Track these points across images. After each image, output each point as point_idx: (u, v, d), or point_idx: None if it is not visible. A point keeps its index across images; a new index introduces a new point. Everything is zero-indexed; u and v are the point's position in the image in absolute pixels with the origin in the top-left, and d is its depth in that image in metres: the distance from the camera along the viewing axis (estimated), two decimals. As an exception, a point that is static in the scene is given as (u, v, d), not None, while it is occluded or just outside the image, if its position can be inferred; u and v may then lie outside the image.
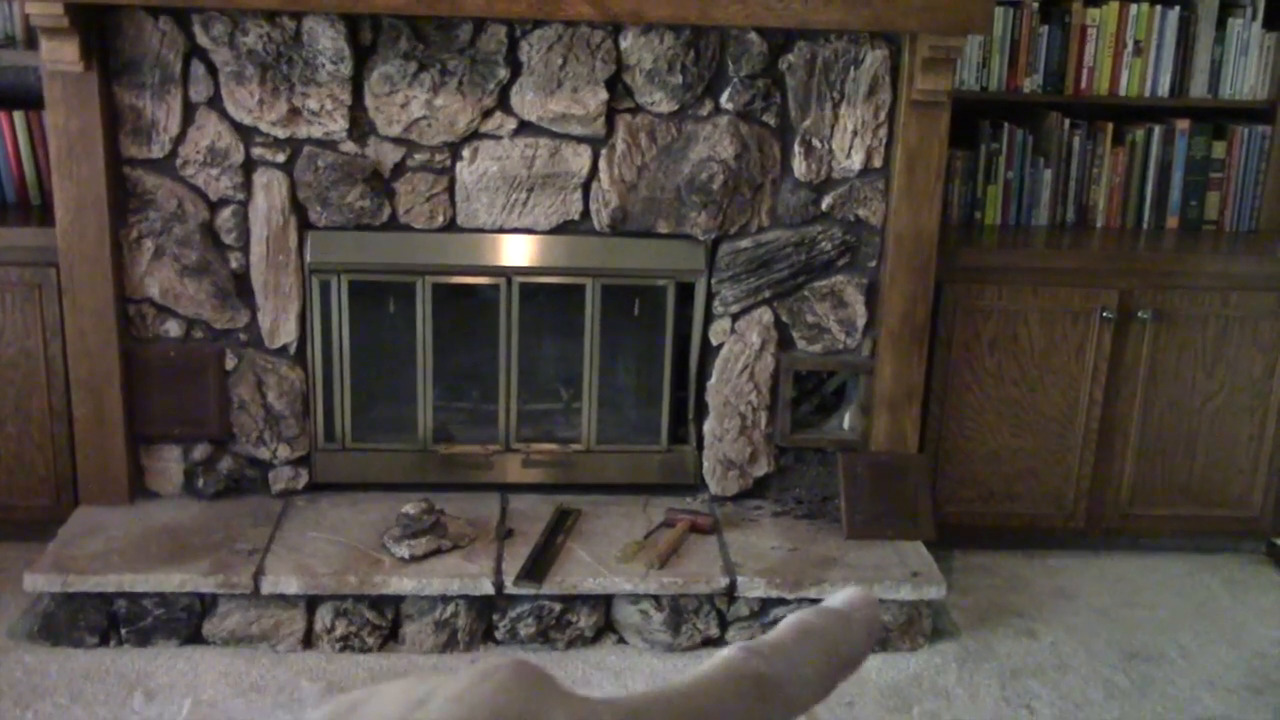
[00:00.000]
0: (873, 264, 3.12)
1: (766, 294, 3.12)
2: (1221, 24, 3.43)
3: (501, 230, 3.05)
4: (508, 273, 3.09)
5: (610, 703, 0.32)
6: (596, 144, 3.00)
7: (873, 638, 0.36)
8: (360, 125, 2.95)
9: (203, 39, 2.86)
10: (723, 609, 2.91)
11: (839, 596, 0.37)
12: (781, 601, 2.90)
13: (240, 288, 3.04)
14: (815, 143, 3.02)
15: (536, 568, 2.86)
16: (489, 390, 3.24)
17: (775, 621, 2.87)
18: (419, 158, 2.98)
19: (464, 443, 3.25)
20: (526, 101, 2.95)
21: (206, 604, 2.82)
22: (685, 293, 3.16)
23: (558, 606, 2.87)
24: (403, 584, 2.81)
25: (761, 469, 3.25)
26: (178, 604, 2.81)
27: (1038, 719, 2.72)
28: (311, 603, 2.83)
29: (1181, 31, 3.41)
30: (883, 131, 3.02)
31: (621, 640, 2.92)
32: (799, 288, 3.13)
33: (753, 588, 2.87)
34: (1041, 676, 2.88)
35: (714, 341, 3.16)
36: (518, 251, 3.07)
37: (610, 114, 2.97)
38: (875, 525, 3.09)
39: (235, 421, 3.12)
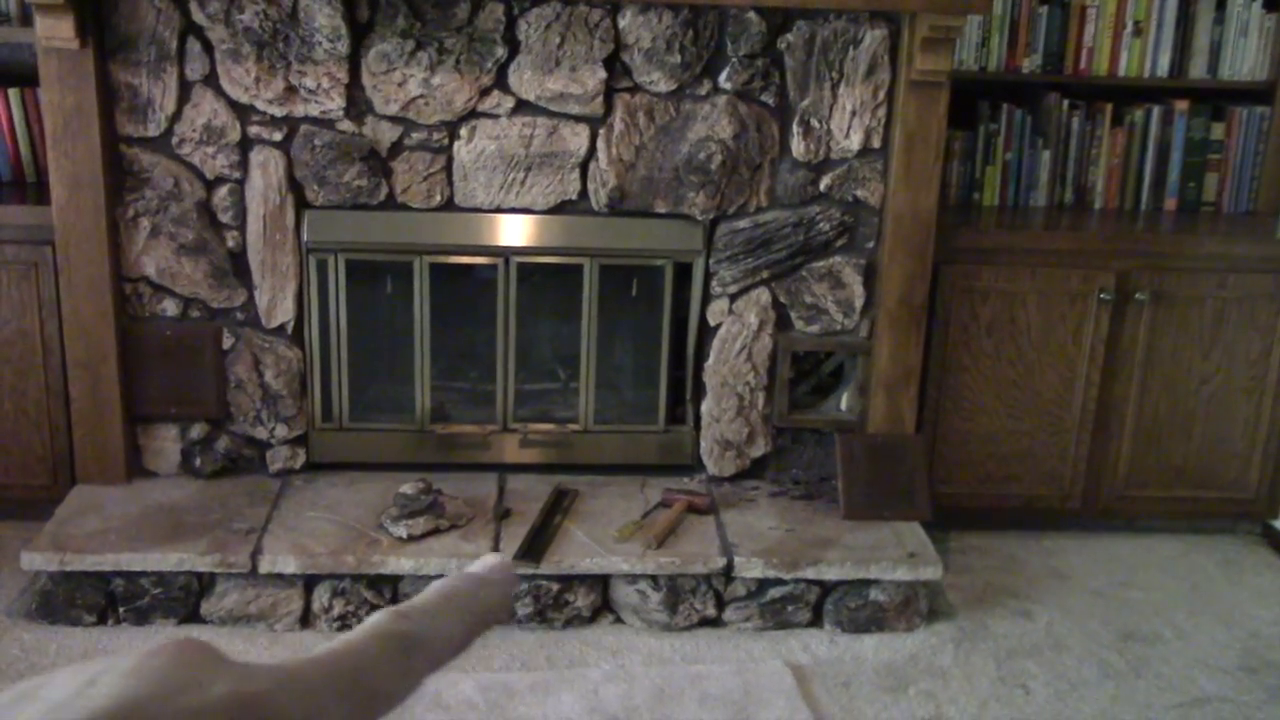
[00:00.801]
0: (871, 245, 3.12)
1: (764, 274, 3.12)
2: (1221, 5, 3.42)
3: (499, 210, 3.04)
4: (505, 252, 3.09)
5: (269, 668, 0.36)
6: (594, 123, 2.99)
7: (508, 600, 0.43)
8: (357, 104, 2.93)
9: (199, 16, 2.84)
10: (720, 589, 2.92)
11: (479, 563, 0.43)
12: (779, 582, 2.91)
13: (237, 267, 3.03)
14: (814, 123, 3.02)
15: (534, 548, 2.86)
16: (486, 370, 3.24)
17: (772, 601, 2.88)
18: (416, 136, 2.97)
19: (461, 423, 3.25)
20: (524, 80, 2.94)
21: (204, 583, 2.83)
22: (683, 273, 3.16)
23: (555, 586, 2.87)
24: (400, 564, 2.81)
25: (759, 449, 3.25)
26: (175, 583, 2.81)
27: (1033, 699, 2.73)
28: (309, 582, 2.83)
29: (1181, 12, 3.40)
30: (881, 112, 3.01)
31: (619, 620, 2.93)
32: (797, 268, 3.12)
33: (750, 568, 2.88)
34: (1037, 657, 2.89)
35: (712, 322, 3.16)
36: (515, 231, 3.07)
37: (608, 93, 2.96)
38: (872, 506, 3.10)
39: (232, 401, 3.11)
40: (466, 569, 0.37)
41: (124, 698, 0.31)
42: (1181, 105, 3.45)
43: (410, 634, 0.35)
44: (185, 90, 2.90)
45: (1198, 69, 3.46)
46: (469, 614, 0.37)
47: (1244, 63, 3.45)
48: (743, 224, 3.08)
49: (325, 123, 2.94)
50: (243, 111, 2.92)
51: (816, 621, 2.96)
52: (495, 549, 2.85)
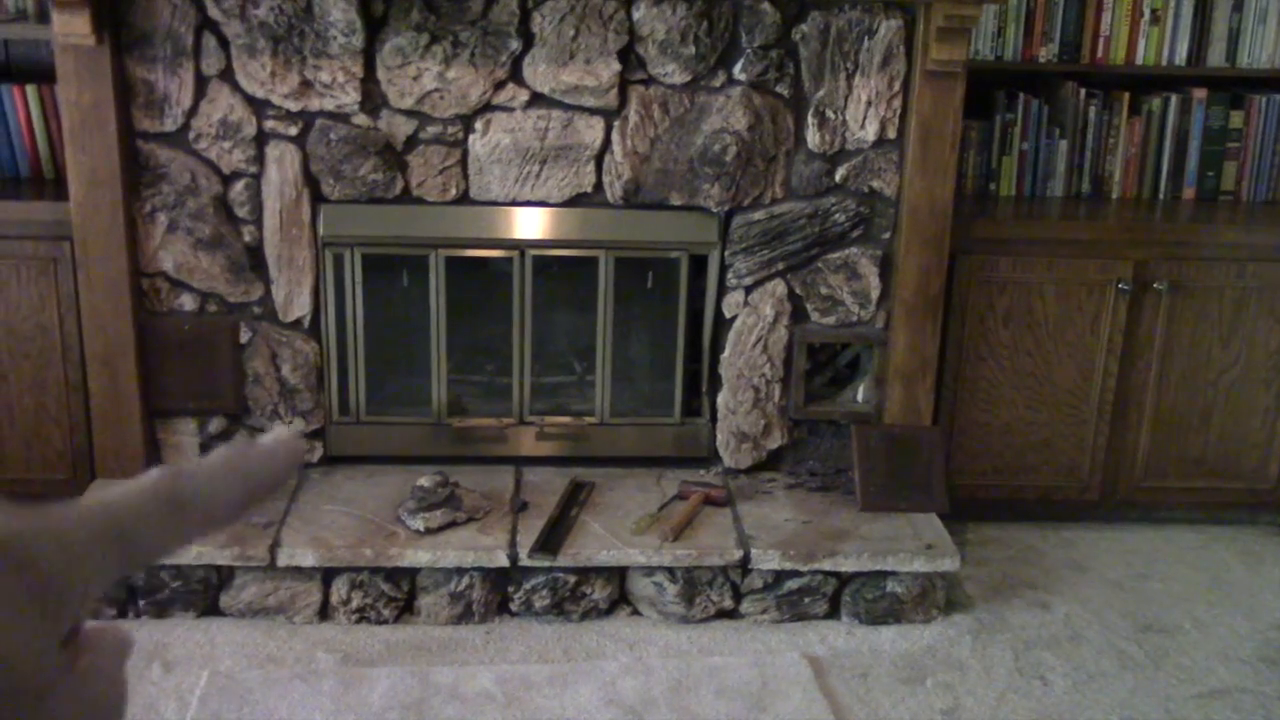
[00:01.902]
0: (887, 235, 3.11)
1: (780, 266, 3.11)
2: (1240, -8, 3.39)
3: (514, 203, 3.04)
4: (521, 245, 3.09)
5: (31, 512, 0.37)
6: (609, 116, 2.99)
7: (289, 472, 0.43)
8: (372, 98, 2.94)
9: (214, 11, 2.85)
10: (736, 581, 2.92)
11: (269, 435, 0.44)
12: (795, 574, 2.90)
13: (254, 261, 3.04)
14: (829, 114, 3.01)
15: (551, 540, 2.87)
16: (503, 363, 3.25)
17: (789, 593, 2.88)
18: (431, 130, 2.97)
19: (478, 416, 3.26)
20: (539, 73, 2.94)
21: (223, 576, 2.84)
22: (699, 265, 3.15)
23: (572, 578, 2.88)
24: (418, 556, 2.82)
25: (775, 441, 3.25)
26: (194, 576, 2.83)
27: (1051, 690, 2.73)
28: (327, 575, 2.85)
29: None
30: (897, 102, 3.00)
31: (636, 612, 2.93)
32: (812, 260, 3.12)
33: (766, 560, 2.88)
34: (1055, 648, 2.89)
35: (727, 314, 3.16)
36: (531, 224, 3.07)
37: (623, 85, 2.96)
38: (889, 497, 3.09)
39: (250, 395, 3.13)
40: (257, 440, 0.38)
41: None
42: (1200, 94, 3.43)
43: (184, 494, 0.36)
44: (201, 85, 2.91)
45: (1216, 57, 3.43)
46: (248, 483, 0.38)
47: (1262, 50, 3.43)
48: (758, 216, 3.08)
49: (341, 117, 2.94)
50: (258, 106, 2.93)
51: (833, 613, 2.96)
52: (513, 542, 2.86)
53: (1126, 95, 3.43)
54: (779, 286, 3.13)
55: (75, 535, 0.37)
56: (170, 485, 0.41)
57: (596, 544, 2.88)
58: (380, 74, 2.92)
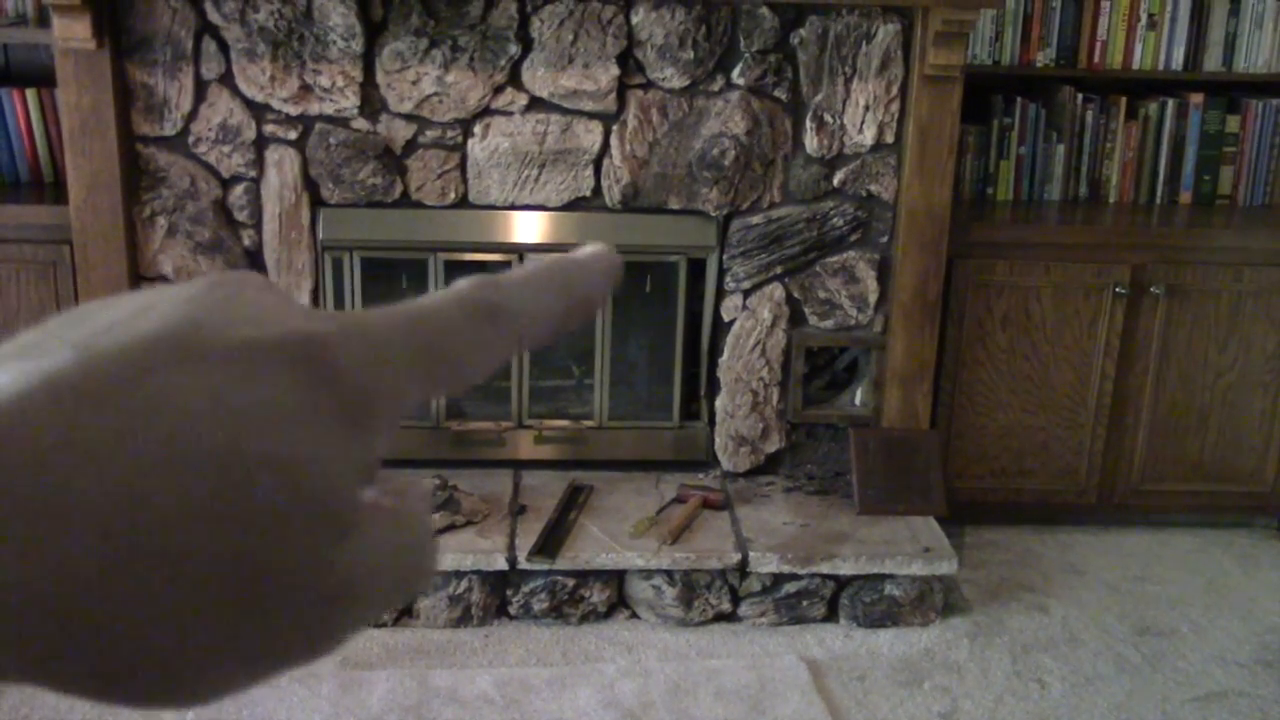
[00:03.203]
0: (884, 240, 3.12)
1: (778, 270, 3.12)
2: (1236, -3, 3.41)
3: (513, 207, 3.05)
4: (520, 249, 3.10)
5: (338, 314, 0.32)
6: (608, 120, 2.99)
7: (609, 283, 0.38)
8: (372, 102, 2.95)
9: (214, 16, 2.86)
10: (735, 584, 2.92)
11: (582, 249, 0.39)
12: (793, 577, 2.91)
13: (253, 265, 3.04)
14: (827, 118, 3.02)
15: (549, 543, 2.87)
16: (501, 367, 3.24)
17: (787, 596, 2.89)
18: (430, 134, 2.98)
19: (476, 419, 3.26)
20: (538, 77, 2.95)
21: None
22: (697, 269, 3.16)
23: (571, 582, 2.88)
24: (416, 559, 2.82)
25: (773, 445, 3.25)
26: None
27: (1049, 693, 2.73)
28: (326, 578, 2.84)
29: (1195, 4, 3.39)
30: (895, 106, 3.01)
31: (634, 615, 2.94)
32: (810, 263, 3.12)
33: (765, 563, 2.88)
34: (1053, 651, 2.89)
35: (726, 318, 3.16)
36: (529, 228, 3.07)
37: (622, 90, 2.97)
38: (887, 501, 3.10)
39: (249, 398, 3.12)
40: (568, 253, 0.34)
41: (175, 325, 0.29)
42: (1196, 98, 3.44)
43: (499, 303, 0.32)
44: (201, 90, 2.92)
45: (1213, 61, 3.44)
46: (566, 294, 0.33)
47: (1259, 55, 3.44)
48: (756, 220, 3.08)
49: (340, 121, 2.95)
50: (258, 110, 2.94)
51: (831, 616, 2.96)
52: (511, 545, 2.87)
53: (1123, 100, 3.44)
54: (777, 290, 3.14)
55: (383, 341, 0.32)
56: (484, 294, 0.36)
57: (595, 547, 2.88)
58: (379, 78, 2.93)
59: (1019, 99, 3.42)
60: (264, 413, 0.28)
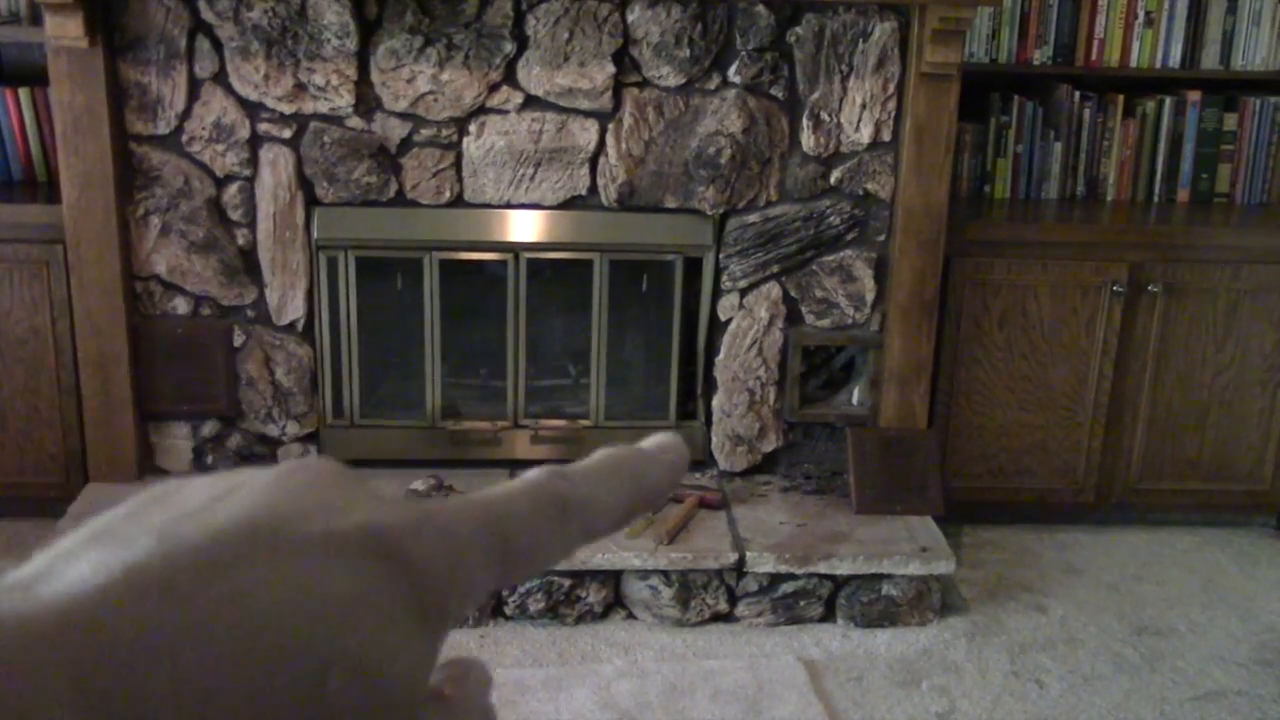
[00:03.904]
0: (881, 238, 3.11)
1: (775, 269, 3.11)
2: (1234, -6, 3.40)
3: (509, 206, 3.04)
4: (515, 248, 3.08)
5: (414, 505, 0.33)
6: (604, 118, 2.98)
7: (676, 478, 0.38)
8: (366, 100, 2.93)
9: (207, 14, 2.85)
10: (732, 584, 2.91)
11: (650, 440, 0.39)
12: (791, 577, 2.90)
13: (248, 264, 3.03)
14: (823, 116, 3.01)
15: (545, 543, 2.86)
16: (497, 366, 3.24)
17: (784, 596, 2.88)
18: (425, 133, 2.97)
19: (472, 419, 3.25)
20: (533, 76, 2.93)
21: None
22: (693, 268, 3.15)
23: (567, 582, 2.87)
24: (412, 560, 2.81)
25: (770, 444, 3.24)
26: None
27: (1047, 693, 2.72)
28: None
29: (1193, 2, 3.38)
30: (891, 104, 3.00)
31: (631, 616, 2.93)
32: (807, 262, 3.11)
33: (762, 563, 2.87)
34: (1051, 651, 2.88)
35: (722, 317, 3.15)
36: (525, 227, 3.06)
37: (617, 88, 2.96)
38: (884, 500, 3.09)
39: (244, 398, 3.12)
40: (637, 444, 0.34)
41: (255, 515, 0.29)
42: (1194, 96, 3.43)
43: (569, 496, 0.32)
44: (195, 88, 2.90)
45: (1210, 59, 3.43)
46: (632, 488, 0.34)
47: (1257, 53, 3.43)
48: (753, 218, 3.07)
49: (334, 120, 2.94)
50: (252, 109, 2.92)
51: (829, 616, 2.95)
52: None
53: (1121, 98, 3.43)
54: (774, 289, 3.13)
55: (457, 534, 0.32)
56: (555, 486, 0.36)
57: (591, 547, 2.87)
58: (374, 76, 2.91)
59: (1016, 97, 3.41)
60: (341, 608, 0.29)
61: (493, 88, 2.94)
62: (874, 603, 2.93)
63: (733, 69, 2.96)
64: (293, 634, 0.28)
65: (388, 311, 3.21)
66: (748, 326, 3.15)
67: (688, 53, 2.93)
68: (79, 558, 0.28)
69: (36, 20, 3.02)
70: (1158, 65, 3.42)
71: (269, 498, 0.30)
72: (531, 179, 3.01)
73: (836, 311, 3.15)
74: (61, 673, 0.25)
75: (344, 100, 2.91)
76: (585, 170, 3.01)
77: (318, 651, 0.28)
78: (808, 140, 3.02)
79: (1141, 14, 3.38)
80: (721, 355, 3.18)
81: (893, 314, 3.12)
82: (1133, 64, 3.42)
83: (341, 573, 0.29)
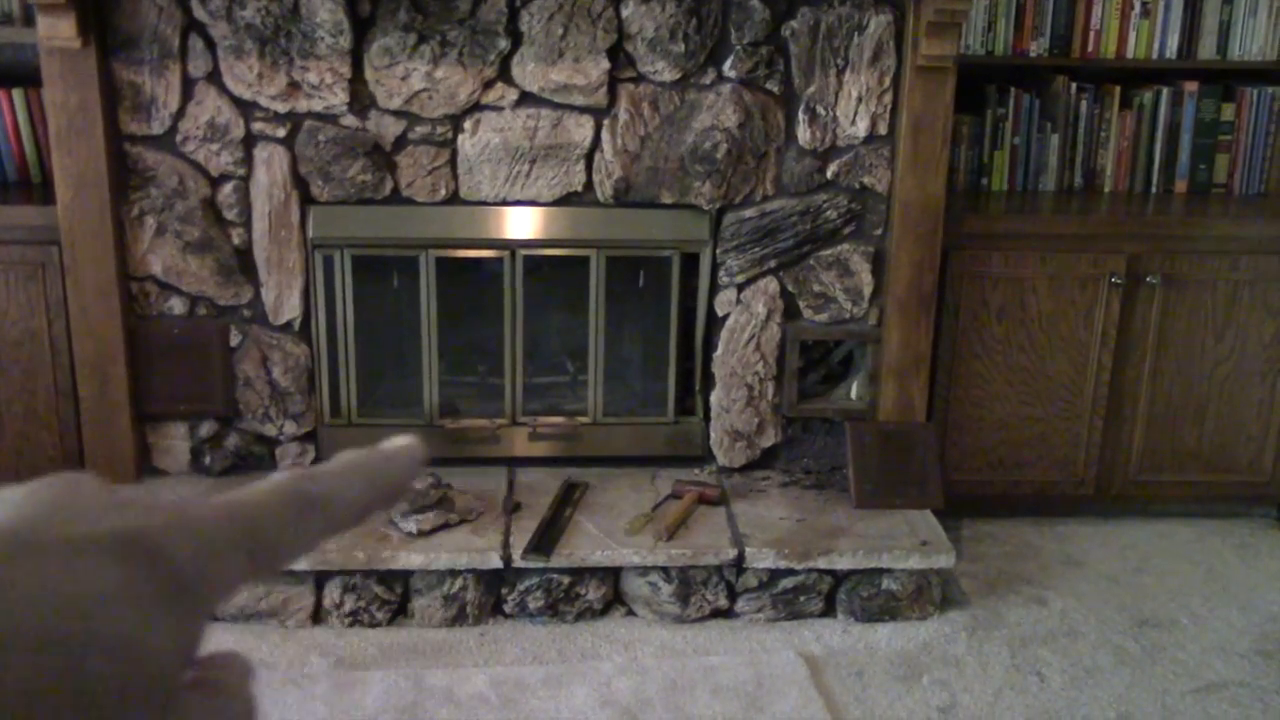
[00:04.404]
0: (879, 232, 3.10)
1: (772, 263, 3.10)
2: (1230, -16, 3.39)
3: (504, 203, 3.03)
4: (511, 245, 3.08)
5: (165, 506, 0.36)
6: (599, 114, 2.97)
7: (411, 475, 0.43)
8: (361, 98, 2.92)
9: (200, 13, 2.84)
10: (731, 580, 2.91)
11: (389, 442, 0.44)
12: (790, 572, 2.89)
13: (243, 264, 3.02)
14: (819, 110, 3.00)
15: (544, 541, 2.85)
16: (494, 364, 3.23)
17: (784, 591, 2.87)
18: (420, 130, 2.96)
19: (470, 417, 3.25)
20: (528, 72, 2.93)
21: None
22: (690, 263, 3.14)
23: (566, 579, 2.87)
24: (411, 559, 2.81)
25: (769, 440, 3.24)
26: (186, 581, 2.81)
27: (1048, 686, 2.72)
28: (320, 578, 2.83)
29: (1190, -8, 3.37)
30: (888, 98, 2.99)
31: (631, 612, 2.92)
32: (805, 257, 3.11)
33: (761, 558, 2.87)
34: (1051, 644, 2.88)
35: (720, 312, 3.15)
36: (521, 224, 3.05)
37: (612, 84, 2.95)
38: (884, 494, 3.08)
39: (241, 398, 3.11)
40: (377, 445, 0.39)
41: (13, 522, 0.34)
42: (1191, 86, 3.42)
43: (313, 495, 0.37)
44: (188, 88, 2.89)
45: (1207, 50, 3.42)
46: (373, 486, 0.39)
47: (1253, 42, 3.42)
48: (749, 213, 3.06)
49: (329, 118, 2.93)
50: (246, 108, 2.91)
51: (829, 611, 2.95)
52: (506, 543, 2.85)
53: (1117, 89, 3.42)
54: (771, 284, 3.12)
55: (209, 531, 0.37)
56: (299, 485, 0.40)
57: (590, 544, 2.87)
58: (368, 74, 2.91)
59: (1013, 89, 3.40)
60: (94, 600, 0.32)
61: (487, 84, 2.93)
62: (874, 597, 2.92)
63: (728, 63, 2.95)
64: (52, 625, 0.31)
65: (384, 310, 3.21)
66: (745, 322, 3.14)
67: (682, 47, 2.92)
68: None
69: (29, 21, 3.01)
70: (1154, 56, 3.41)
71: (27, 508, 0.34)
72: (527, 176, 3.00)
73: (834, 306, 3.15)
74: None
75: (338, 98, 2.91)
76: (581, 166, 3.01)
77: (75, 638, 0.31)
78: (804, 134, 3.01)
79: (1138, 4, 3.37)
80: (719, 351, 3.17)
81: (890, 308, 3.12)
82: (1129, 55, 3.41)
83: (95, 570, 0.33)
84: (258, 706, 0.39)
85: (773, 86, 2.98)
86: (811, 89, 2.98)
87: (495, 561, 2.82)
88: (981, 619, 2.97)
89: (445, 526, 2.89)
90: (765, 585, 2.91)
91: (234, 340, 3.08)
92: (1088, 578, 3.17)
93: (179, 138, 2.92)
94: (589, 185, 3.02)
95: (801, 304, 3.15)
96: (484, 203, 3.03)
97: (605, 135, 2.98)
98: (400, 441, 0.46)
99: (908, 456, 3.12)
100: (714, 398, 3.21)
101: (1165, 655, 2.85)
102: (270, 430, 3.14)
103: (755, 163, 3.02)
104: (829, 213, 3.07)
